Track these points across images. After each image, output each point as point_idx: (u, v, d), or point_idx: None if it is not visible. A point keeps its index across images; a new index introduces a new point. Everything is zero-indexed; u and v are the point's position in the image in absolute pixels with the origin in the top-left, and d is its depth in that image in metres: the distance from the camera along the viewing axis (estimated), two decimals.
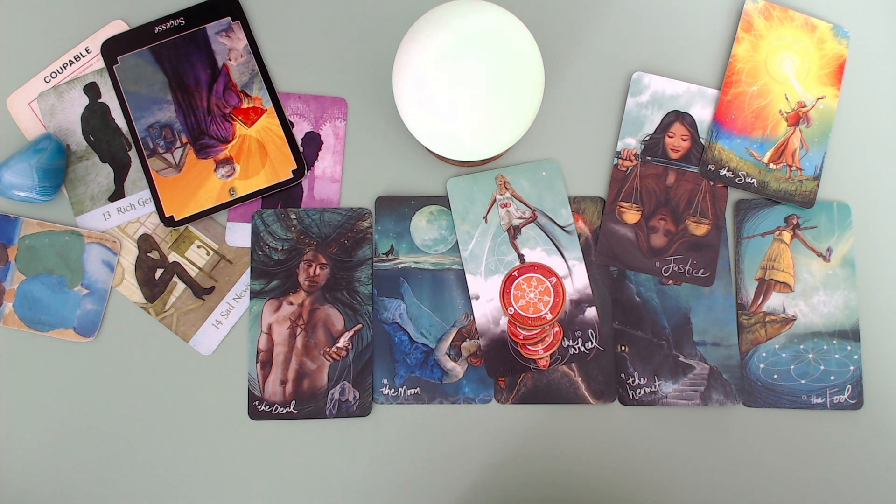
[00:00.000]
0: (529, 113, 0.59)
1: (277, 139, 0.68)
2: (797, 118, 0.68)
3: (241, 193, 0.67)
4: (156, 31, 0.68)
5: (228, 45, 0.68)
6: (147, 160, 0.67)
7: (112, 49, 0.68)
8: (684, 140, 0.68)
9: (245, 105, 0.68)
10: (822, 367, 0.66)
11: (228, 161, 0.67)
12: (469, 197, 0.68)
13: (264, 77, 0.68)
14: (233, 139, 0.68)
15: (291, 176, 0.67)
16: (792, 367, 0.67)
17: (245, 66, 0.68)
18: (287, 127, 0.68)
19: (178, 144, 0.68)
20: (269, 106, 0.68)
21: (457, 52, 0.57)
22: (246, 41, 0.68)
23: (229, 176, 0.67)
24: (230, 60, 0.68)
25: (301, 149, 0.68)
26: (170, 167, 0.67)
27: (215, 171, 0.67)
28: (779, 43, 0.69)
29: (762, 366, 0.67)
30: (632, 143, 0.68)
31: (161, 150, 0.68)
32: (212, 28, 0.69)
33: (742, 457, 0.67)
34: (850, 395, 0.66)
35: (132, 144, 0.68)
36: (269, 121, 0.68)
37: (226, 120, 0.68)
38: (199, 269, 0.68)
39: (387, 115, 0.69)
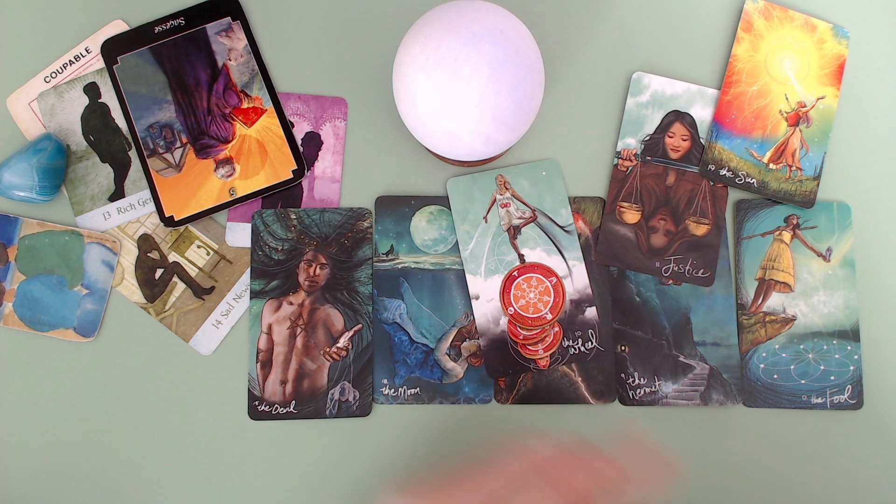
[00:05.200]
0: (529, 113, 0.59)
1: (277, 139, 0.68)
2: (797, 118, 0.68)
3: (241, 193, 0.67)
4: (156, 31, 0.68)
5: (228, 45, 0.68)
6: (147, 160, 0.67)
7: (112, 49, 0.68)
8: (684, 140, 0.68)
9: (245, 105, 0.68)
10: (822, 367, 0.66)
11: (228, 161, 0.67)
12: (469, 197, 0.68)
13: (264, 77, 0.68)
14: (233, 139, 0.68)
15: (291, 176, 0.67)
16: (792, 367, 0.67)
17: (245, 66, 0.68)
18: (287, 127, 0.68)
19: (178, 144, 0.67)
20: (270, 106, 0.68)
21: (456, 52, 0.56)
22: (246, 41, 0.68)
23: (229, 176, 0.67)
24: (230, 60, 0.68)
25: (301, 149, 0.68)
26: (170, 167, 0.67)
27: (215, 171, 0.67)
28: (779, 43, 0.68)
29: (762, 366, 0.67)
30: (632, 143, 0.68)
31: (161, 150, 0.67)
32: (212, 28, 0.69)
33: (742, 457, 0.67)
34: (850, 395, 0.66)
35: (132, 144, 0.68)
36: (269, 121, 0.68)
37: (226, 120, 0.68)
38: (199, 269, 0.68)
39: (387, 115, 0.69)
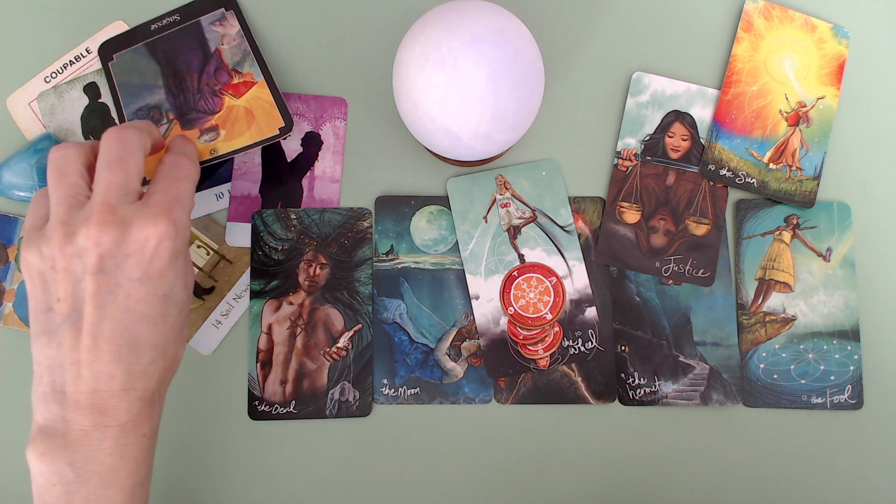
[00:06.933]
0: (529, 113, 0.59)
1: (266, 105, 0.66)
2: (797, 118, 0.68)
3: (222, 152, 0.65)
4: (152, 28, 0.68)
5: (222, 32, 0.68)
6: None
7: (109, 50, 0.68)
8: (684, 140, 0.68)
9: (235, 80, 0.67)
10: (822, 367, 0.67)
11: (213, 129, 0.65)
12: (469, 197, 0.68)
13: (256, 55, 0.66)
14: (220, 110, 0.66)
15: (278, 132, 0.65)
16: (792, 367, 0.67)
17: (237, 48, 0.67)
18: (277, 92, 0.66)
19: (165, 121, 0.66)
20: (260, 79, 0.66)
21: (456, 52, 0.56)
22: (238, 27, 0.67)
23: (213, 140, 0.65)
24: (223, 45, 0.67)
25: (292, 115, 0.66)
26: None
27: (199, 138, 0.65)
28: (779, 43, 0.68)
29: (762, 366, 0.67)
30: (632, 143, 0.68)
31: None
32: (206, 19, 0.68)
33: (742, 457, 0.67)
34: (850, 395, 0.66)
35: None
36: (260, 91, 0.66)
37: (215, 95, 0.66)
38: (199, 268, 0.68)
39: (387, 115, 0.69)
